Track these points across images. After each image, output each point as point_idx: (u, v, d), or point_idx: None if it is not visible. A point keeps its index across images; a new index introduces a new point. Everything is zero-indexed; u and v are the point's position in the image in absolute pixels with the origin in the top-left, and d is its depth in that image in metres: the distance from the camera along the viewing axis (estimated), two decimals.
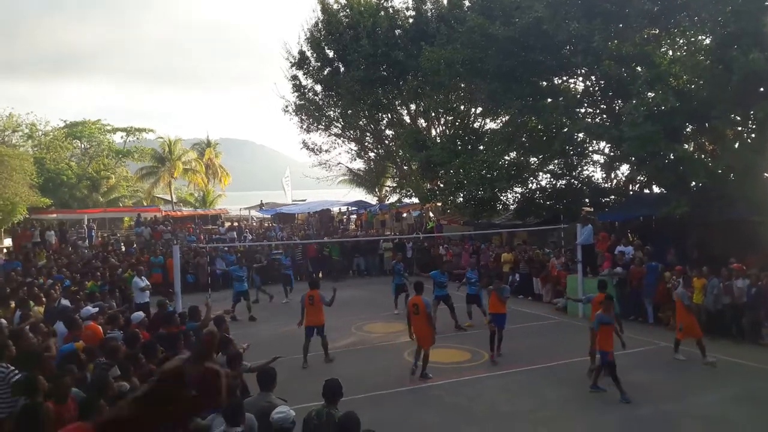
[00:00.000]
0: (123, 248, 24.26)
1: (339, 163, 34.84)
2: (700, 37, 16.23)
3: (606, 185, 22.11)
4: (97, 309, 10.37)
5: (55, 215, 32.66)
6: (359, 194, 38.83)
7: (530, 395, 9.78)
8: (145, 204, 42.23)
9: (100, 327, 9.12)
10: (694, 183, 16.40)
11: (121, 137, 47.27)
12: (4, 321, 9.23)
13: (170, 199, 45.72)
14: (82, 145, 44.45)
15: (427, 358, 10.60)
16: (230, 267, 18.54)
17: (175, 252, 13.71)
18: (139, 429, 1.08)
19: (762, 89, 14.16)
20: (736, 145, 16.14)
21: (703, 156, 17.52)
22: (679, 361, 11.21)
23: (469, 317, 14.82)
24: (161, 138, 47.01)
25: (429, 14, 27.51)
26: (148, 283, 14.94)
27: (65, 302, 11.39)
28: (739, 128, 16.34)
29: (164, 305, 10.40)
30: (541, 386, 10.22)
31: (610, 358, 9.24)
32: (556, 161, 21.66)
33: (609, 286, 15.19)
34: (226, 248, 23.16)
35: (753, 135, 15.99)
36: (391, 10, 28.23)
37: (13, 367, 6.26)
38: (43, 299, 11.50)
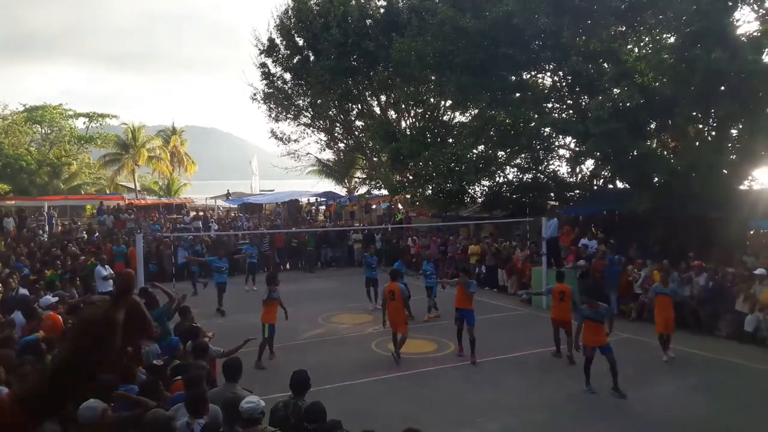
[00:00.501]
0: (85, 236, 23.68)
1: (308, 153, 34.59)
2: (665, 36, 16.57)
3: (571, 180, 22.48)
4: (56, 299, 10.11)
5: (13, 202, 31.67)
6: (328, 185, 38.66)
7: (494, 385, 9.93)
8: (108, 192, 41.25)
9: (60, 317, 8.90)
10: (656, 179, 16.78)
11: (84, 123, 46.03)
12: None
13: (134, 187, 44.75)
14: (43, 130, 43.17)
15: (404, 341, 11.06)
16: (209, 258, 17.27)
17: (138, 241, 13.45)
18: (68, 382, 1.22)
19: (723, 88, 14.51)
20: (697, 143, 16.55)
21: (665, 153, 17.93)
22: (669, 359, 10.98)
23: (435, 309, 14.83)
24: (125, 124, 45.91)
25: (400, 4, 27.41)
26: (112, 272, 14.61)
27: (23, 291, 11.07)
28: (701, 126, 16.76)
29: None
30: (505, 376, 10.38)
31: (587, 353, 9.45)
32: (523, 155, 21.91)
33: (570, 277, 15.53)
34: (190, 237, 22.81)
35: (713, 133, 16.42)
36: None
37: None
38: (0, 288, 11.16)
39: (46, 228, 26.52)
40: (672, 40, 16.01)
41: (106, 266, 14.77)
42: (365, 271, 16.25)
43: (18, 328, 8.22)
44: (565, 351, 10.99)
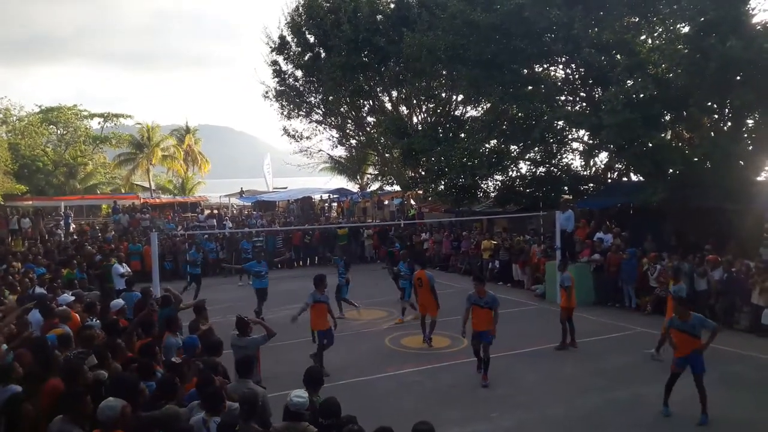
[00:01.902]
0: (100, 236, 23.95)
1: (320, 150, 34.63)
2: (678, 25, 16.34)
3: (585, 173, 22.29)
4: (74, 297, 10.22)
5: (30, 202, 32.09)
6: (341, 182, 38.72)
7: (509, 380, 9.90)
8: (123, 191, 41.65)
9: (77, 315, 9.01)
10: (671, 171, 16.60)
11: (99, 123, 46.49)
12: None
13: (149, 186, 45.16)
14: (59, 131, 43.63)
15: (434, 324, 11.93)
16: (246, 265, 15.58)
17: (153, 239, 13.56)
18: None
19: (739, 77, 14.29)
20: (713, 133, 16.35)
21: (680, 144, 17.73)
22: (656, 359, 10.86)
23: (413, 309, 13.96)
24: (139, 124, 46.34)
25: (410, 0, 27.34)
26: (128, 270, 14.77)
27: (40, 290, 11.20)
28: (716, 116, 16.54)
29: (149, 293, 10.31)
30: (520, 371, 10.35)
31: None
32: (536, 149, 21.74)
33: (584, 271, 15.45)
34: (205, 236, 22.97)
35: (729, 123, 16.20)
36: None
37: None
38: (18, 287, 11.32)
39: (63, 227, 26.83)
40: (686, 29, 15.78)
41: (123, 264, 14.93)
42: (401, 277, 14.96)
43: (36, 326, 8.32)
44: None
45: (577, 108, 19.85)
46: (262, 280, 14.28)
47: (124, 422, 4.63)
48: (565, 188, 21.56)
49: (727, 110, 15.91)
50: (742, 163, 15.32)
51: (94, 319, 8.81)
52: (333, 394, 5.39)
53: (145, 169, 44.39)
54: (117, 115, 46.47)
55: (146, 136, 44.46)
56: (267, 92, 31.95)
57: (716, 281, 13.09)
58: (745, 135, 15.53)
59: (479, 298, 9.75)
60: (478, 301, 9.75)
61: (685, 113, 16.13)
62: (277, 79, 31.36)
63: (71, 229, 26.80)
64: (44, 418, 5.04)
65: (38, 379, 5.62)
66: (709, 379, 8.19)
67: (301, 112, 31.92)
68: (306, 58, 29.75)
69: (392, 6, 27.66)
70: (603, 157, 21.22)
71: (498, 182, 22.99)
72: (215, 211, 32.39)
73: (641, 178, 18.83)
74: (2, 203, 28.72)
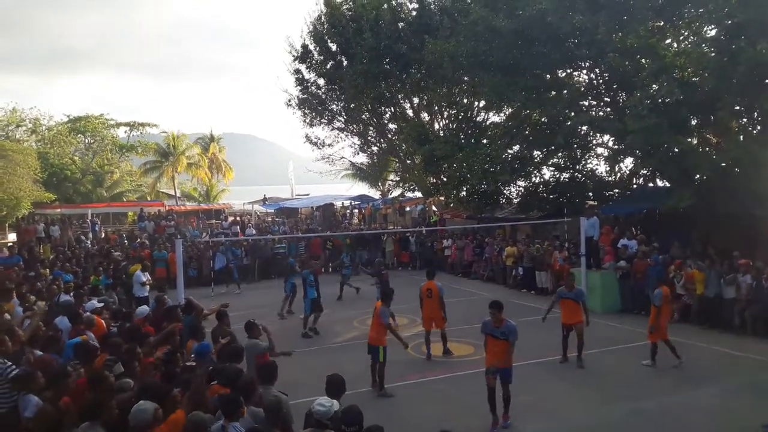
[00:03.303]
0: (126, 243, 24.31)
1: (342, 158, 34.82)
2: (705, 29, 16.09)
3: (609, 179, 21.99)
4: (102, 304, 10.37)
5: (59, 210, 32.69)
6: (362, 188, 38.81)
7: (533, 388, 9.77)
8: (148, 199, 42.24)
9: (103, 322, 9.14)
10: (698, 176, 16.30)
11: (125, 132, 47.27)
12: (8, 315, 9.27)
13: (174, 193, 45.76)
14: (86, 140, 44.45)
15: (445, 336, 11.85)
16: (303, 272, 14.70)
17: (177, 246, 13.69)
18: None
19: None
20: (741, 138, 16.03)
21: (708, 149, 17.40)
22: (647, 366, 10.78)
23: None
24: (165, 132, 47.01)
25: (432, 7, 27.33)
26: (149, 278, 14.97)
27: (66, 297, 11.40)
28: (744, 120, 16.22)
29: (163, 300, 10.36)
30: (544, 379, 10.21)
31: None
32: (559, 154, 21.56)
33: (609, 279, 15.24)
34: (228, 242, 23.19)
35: (758, 127, 15.87)
36: (394, 2, 28.04)
37: (9, 363, 6.27)
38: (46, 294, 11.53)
39: (90, 235, 27.28)
40: (713, 32, 15.54)
41: (146, 273, 15.12)
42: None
43: (65, 332, 8.46)
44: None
45: (601, 113, 19.63)
46: (313, 291, 13.99)
47: (157, 426, 4.68)
48: (590, 194, 21.32)
49: (756, 114, 15.60)
50: None
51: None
52: (355, 401, 5.36)
53: (170, 177, 44.98)
54: (143, 124, 47.16)
55: (171, 144, 45.11)
56: (290, 100, 32.25)
57: (747, 285, 12.79)
58: None
59: (495, 328, 8.46)
60: (493, 331, 8.48)
61: (712, 118, 15.85)
62: (299, 88, 31.62)
63: (99, 236, 27.24)
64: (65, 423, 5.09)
65: (61, 382, 5.71)
66: (735, 388, 8.01)
67: (323, 120, 32.12)
68: (328, 66, 29.95)
69: (414, 13, 27.75)
70: (628, 162, 20.95)
71: (521, 188, 22.84)
72: (239, 218, 32.68)
73: (667, 183, 18.52)
74: (32, 211, 29.31)
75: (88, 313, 9.05)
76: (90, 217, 30.20)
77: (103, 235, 27.81)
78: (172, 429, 4.92)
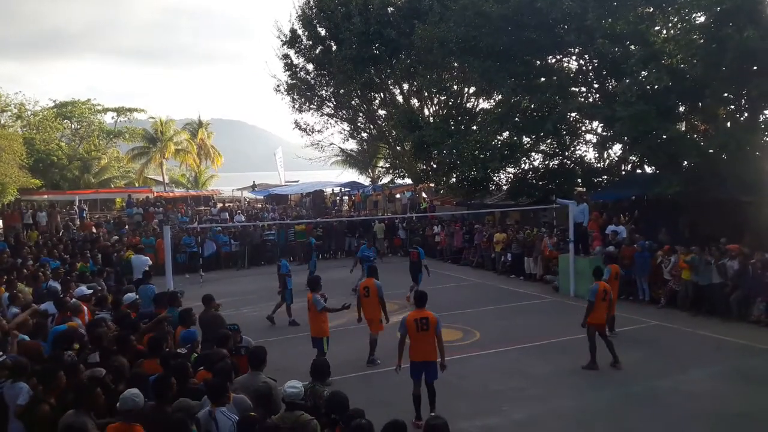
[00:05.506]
0: (106, 231, 24.14)
1: (331, 144, 34.62)
2: (694, 15, 16.09)
3: (598, 165, 22.08)
4: (91, 291, 10.30)
5: (45, 196, 32.41)
6: (352, 175, 38.71)
7: (521, 373, 9.84)
8: (136, 185, 41.92)
9: (88, 308, 9.09)
10: (686, 162, 16.40)
11: (112, 117, 46.72)
12: None
13: (162, 179, 45.42)
14: (73, 126, 43.93)
15: (374, 343, 10.29)
16: (364, 252, 15.86)
17: (165, 232, 13.60)
18: None
19: (756, 67, 14.07)
20: (729, 125, 16.11)
21: (695, 135, 17.49)
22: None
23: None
24: (153, 118, 46.52)
25: None
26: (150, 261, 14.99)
27: (53, 284, 11.32)
28: (732, 107, 16.30)
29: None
30: (532, 364, 10.28)
31: None
32: (548, 141, 21.60)
33: (596, 264, 15.27)
34: (218, 228, 23.10)
35: (746, 114, 15.96)
36: None
37: None
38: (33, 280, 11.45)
39: (77, 221, 27.08)
40: (701, 19, 15.55)
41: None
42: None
43: (52, 318, 8.41)
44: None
45: (590, 99, 19.66)
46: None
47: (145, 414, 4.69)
48: (579, 180, 21.40)
49: (743, 101, 15.68)
50: (758, 154, 15.09)
51: (109, 312, 8.88)
52: (344, 386, 5.40)
53: (158, 163, 44.59)
54: (130, 110, 46.64)
55: (159, 130, 44.67)
56: (278, 86, 32.01)
57: (734, 272, 12.91)
58: (762, 126, 15.28)
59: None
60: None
61: (700, 104, 15.93)
62: (288, 73, 31.37)
63: (85, 223, 27.04)
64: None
65: (53, 375, 5.67)
66: (723, 372, 8.10)
67: (312, 106, 31.91)
68: (317, 51, 29.70)
69: None
70: (617, 149, 21.05)
71: (510, 175, 22.87)
72: (228, 205, 32.54)
73: (656, 170, 18.62)
74: (18, 197, 29.02)
75: (74, 300, 8.98)
76: (77, 204, 29.96)
77: (90, 221, 27.59)
78: None
